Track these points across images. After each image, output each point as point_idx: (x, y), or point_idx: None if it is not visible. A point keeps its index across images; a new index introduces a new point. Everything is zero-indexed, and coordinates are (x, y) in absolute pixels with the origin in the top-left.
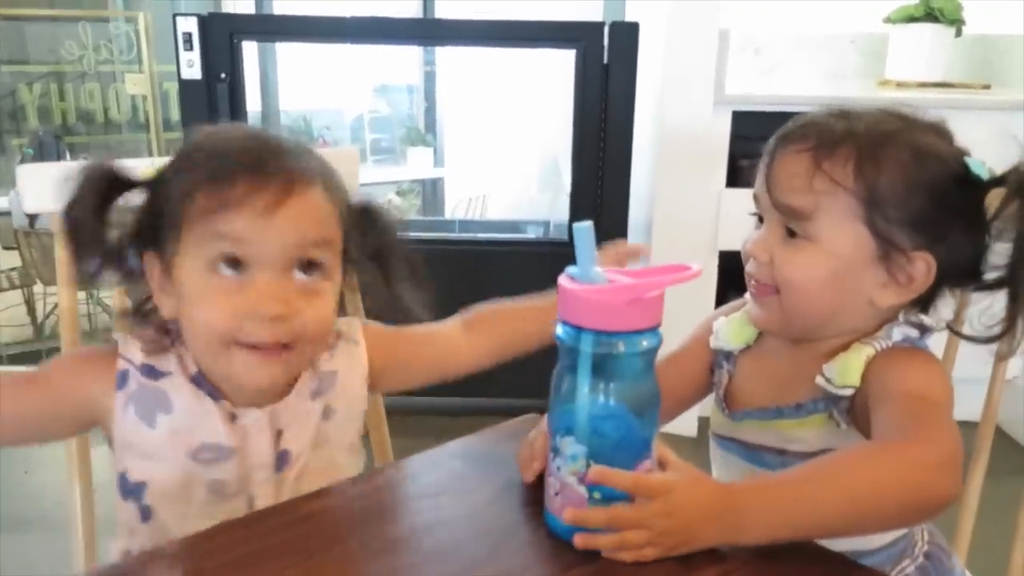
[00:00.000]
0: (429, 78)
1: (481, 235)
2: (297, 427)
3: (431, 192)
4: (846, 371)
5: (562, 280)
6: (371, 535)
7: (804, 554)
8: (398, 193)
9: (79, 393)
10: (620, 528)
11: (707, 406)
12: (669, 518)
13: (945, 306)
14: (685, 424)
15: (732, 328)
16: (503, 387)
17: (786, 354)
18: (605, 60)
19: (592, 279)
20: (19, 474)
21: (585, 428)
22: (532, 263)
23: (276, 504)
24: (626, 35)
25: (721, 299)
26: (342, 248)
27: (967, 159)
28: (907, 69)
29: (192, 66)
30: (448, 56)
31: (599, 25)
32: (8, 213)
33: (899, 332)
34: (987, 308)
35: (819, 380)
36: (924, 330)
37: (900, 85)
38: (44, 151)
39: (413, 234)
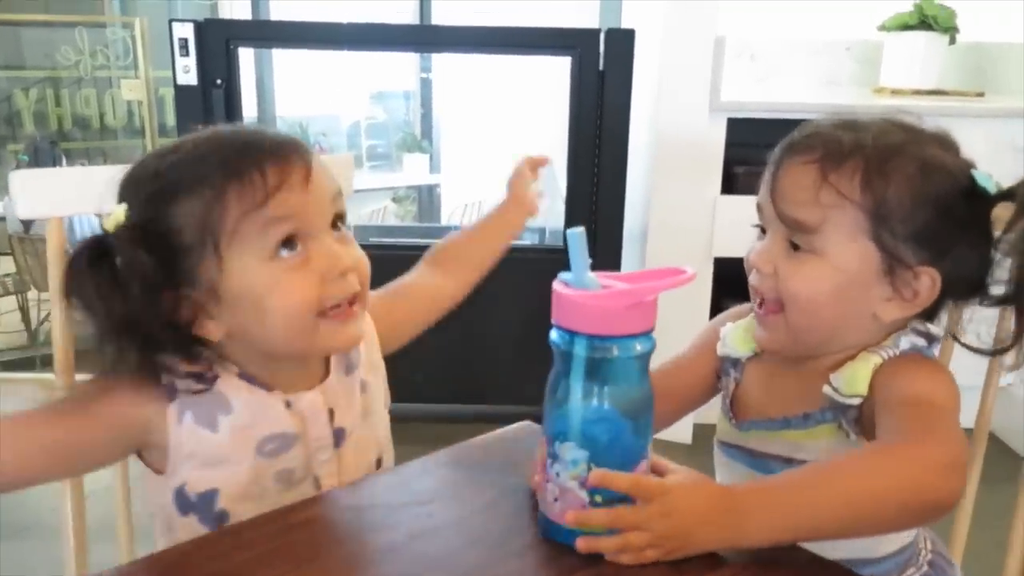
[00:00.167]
0: (425, 84)
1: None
2: (345, 403)
3: (427, 198)
4: (854, 380)
5: (556, 285)
6: (362, 543)
7: (802, 562)
8: (394, 199)
9: (129, 415)
10: (621, 529)
11: (703, 413)
12: (668, 519)
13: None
14: (680, 431)
15: (739, 335)
16: (497, 394)
17: (793, 364)
18: (601, 67)
19: (586, 284)
20: None
21: (585, 433)
22: (527, 269)
23: (265, 513)
24: (622, 42)
25: (716, 305)
26: None
27: (974, 172)
28: (902, 76)
29: (188, 72)
30: (444, 63)
31: (595, 32)
32: (3, 219)
33: (906, 341)
34: (995, 320)
35: (826, 389)
36: (931, 339)
37: (895, 92)
38: (39, 157)
39: (409, 240)
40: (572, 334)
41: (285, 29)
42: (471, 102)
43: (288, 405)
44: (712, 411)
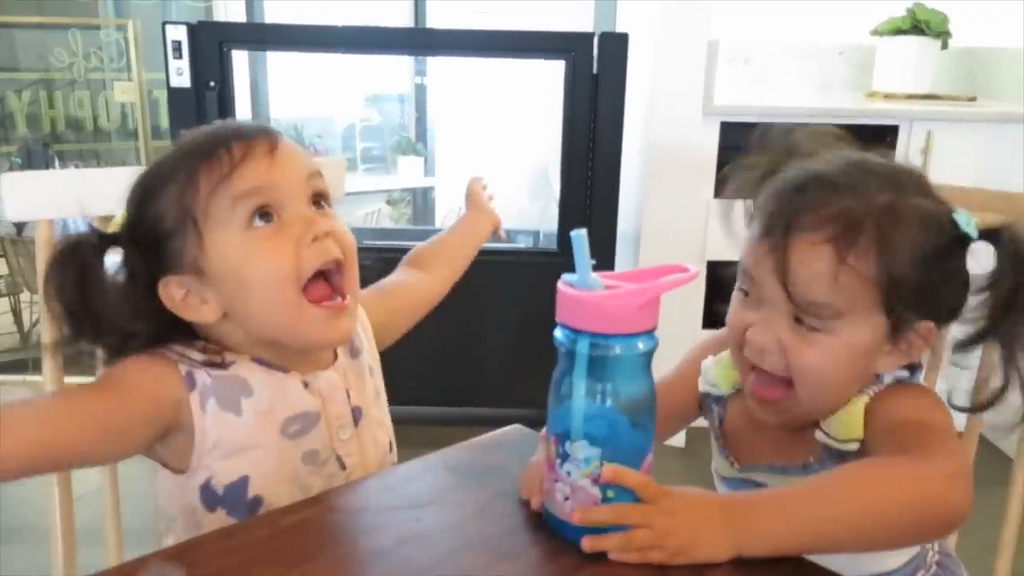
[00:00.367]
0: (420, 87)
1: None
2: (358, 383)
3: (421, 201)
4: (848, 425)
5: (560, 285)
6: (354, 547)
7: (792, 566)
8: (388, 202)
9: (161, 392)
10: (626, 525)
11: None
12: (671, 517)
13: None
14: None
15: (721, 371)
16: (491, 397)
17: None
18: (595, 70)
19: (589, 284)
20: (3, 484)
21: (594, 430)
22: (522, 272)
23: (257, 515)
24: (616, 46)
25: (709, 308)
26: None
27: (955, 216)
28: (894, 81)
29: (181, 74)
30: (439, 66)
31: (589, 36)
32: None
33: (889, 376)
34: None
35: (819, 436)
36: (913, 368)
37: (888, 96)
38: (32, 159)
39: (403, 243)
40: (576, 332)
41: (279, 32)
42: (466, 105)
43: (306, 385)
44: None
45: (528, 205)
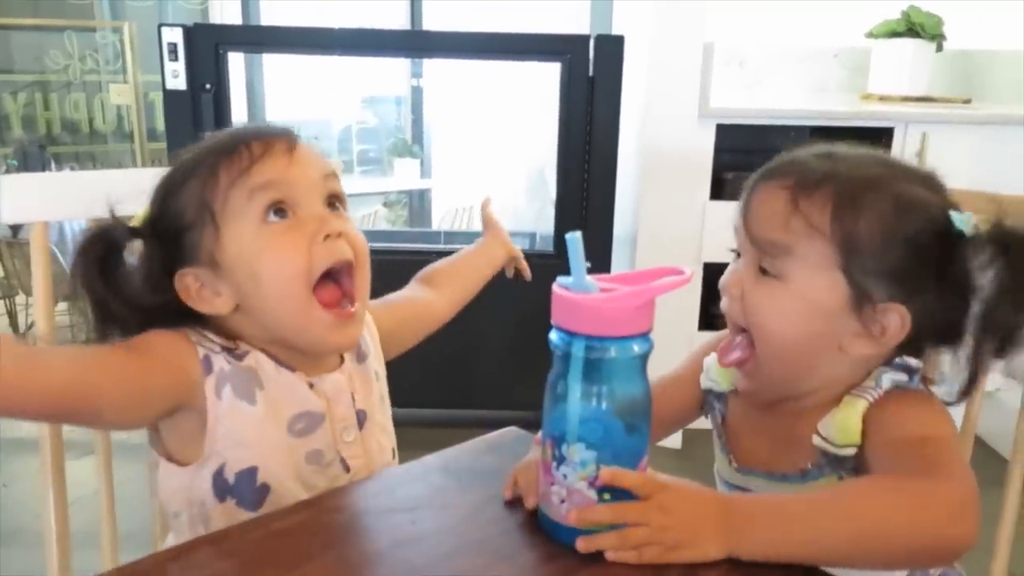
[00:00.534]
0: (416, 90)
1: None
2: (363, 388)
3: (418, 203)
4: (845, 430)
5: (555, 288)
6: (347, 550)
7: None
8: (385, 204)
9: (184, 363)
10: (623, 524)
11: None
12: (666, 514)
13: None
14: (670, 435)
15: (721, 368)
16: (487, 399)
17: (778, 406)
18: (590, 73)
19: (584, 287)
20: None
21: (589, 433)
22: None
23: (248, 520)
24: (611, 48)
25: (705, 310)
26: None
27: (952, 213)
28: (889, 83)
29: (177, 76)
30: (435, 68)
31: (584, 38)
32: None
33: (887, 379)
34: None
35: (816, 441)
36: (911, 371)
37: (883, 99)
38: (28, 161)
39: (400, 245)
40: (571, 335)
41: (275, 34)
42: (462, 107)
43: (311, 386)
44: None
45: (524, 207)
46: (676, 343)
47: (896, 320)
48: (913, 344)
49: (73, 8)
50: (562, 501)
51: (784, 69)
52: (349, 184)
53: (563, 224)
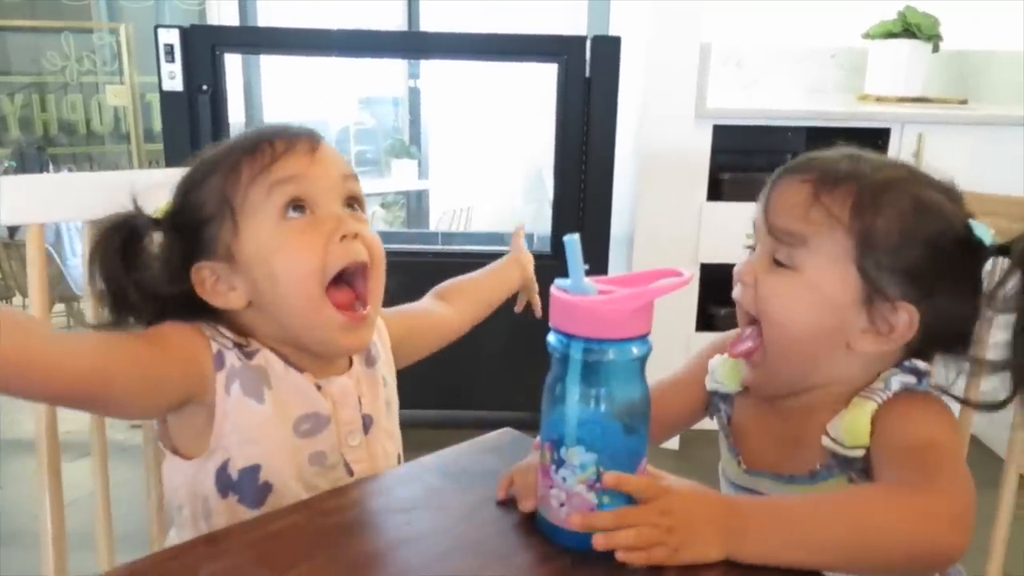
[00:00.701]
0: (414, 91)
1: (464, 247)
2: (370, 392)
3: (415, 204)
4: (854, 431)
5: (553, 290)
6: (343, 551)
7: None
8: (382, 205)
9: (196, 355)
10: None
11: None
12: (670, 516)
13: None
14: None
15: (728, 369)
16: (484, 400)
17: (785, 405)
18: (587, 74)
19: (582, 289)
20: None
21: (588, 436)
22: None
23: (244, 520)
24: (608, 49)
25: (703, 311)
26: None
27: (972, 222)
28: (886, 84)
29: (174, 78)
30: (433, 69)
31: (581, 39)
32: None
33: (896, 381)
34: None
35: (825, 442)
36: (920, 374)
37: (879, 100)
38: (26, 163)
39: (397, 246)
40: (569, 338)
41: (272, 35)
42: (459, 108)
43: (319, 388)
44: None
45: (522, 207)
46: (674, 344)
47: (905, 319)
48: (919, 348)
49: (70, 9)
50: (561, 504)
51: (781, 70)
52: None
53: (560, 225)
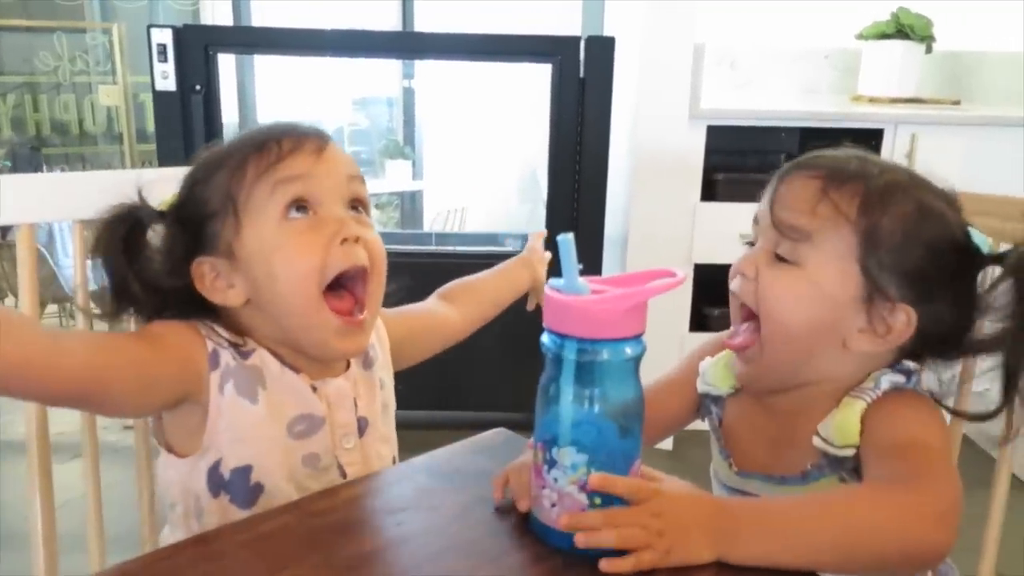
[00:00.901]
0: (408, 91)
1: (458, 248)
2: (367, 394)
3: (410, 205)
4: (844, 431)
5: (547, 290)
6: (333, 552)
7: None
8: (377, 206)
9: (187, 357)
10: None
11: None
12: (660, 518)
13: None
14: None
15: (719, 371)
16: (478, 400)
17: (776, 406)
18: (581, 74)
19: (576, 289)
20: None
21: (581, 437)
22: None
23: (235, 521)
24: (602, 49)
25: (696, 311)
26: None
27: (971, 229)
28: (879, 85)
29: (167, 78)
30: (427, 69)
31: (575, 39)
32: None
33: (886, 380)
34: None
35: (816, 442)
36: (909, 374)
37: (873, 100)
38: (18, 163)
39: (391, 247)
40: (563, 338)
41: (265, 35)
42: (454, 109)
43: (314, 389)
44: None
45: (516, 208)
46: (667, 345)
47: (903, 320)
48: (913, 351)
49: (63, 9)
50: (553, 505)
51: (775, 70)
52: None
53: (554, 225)
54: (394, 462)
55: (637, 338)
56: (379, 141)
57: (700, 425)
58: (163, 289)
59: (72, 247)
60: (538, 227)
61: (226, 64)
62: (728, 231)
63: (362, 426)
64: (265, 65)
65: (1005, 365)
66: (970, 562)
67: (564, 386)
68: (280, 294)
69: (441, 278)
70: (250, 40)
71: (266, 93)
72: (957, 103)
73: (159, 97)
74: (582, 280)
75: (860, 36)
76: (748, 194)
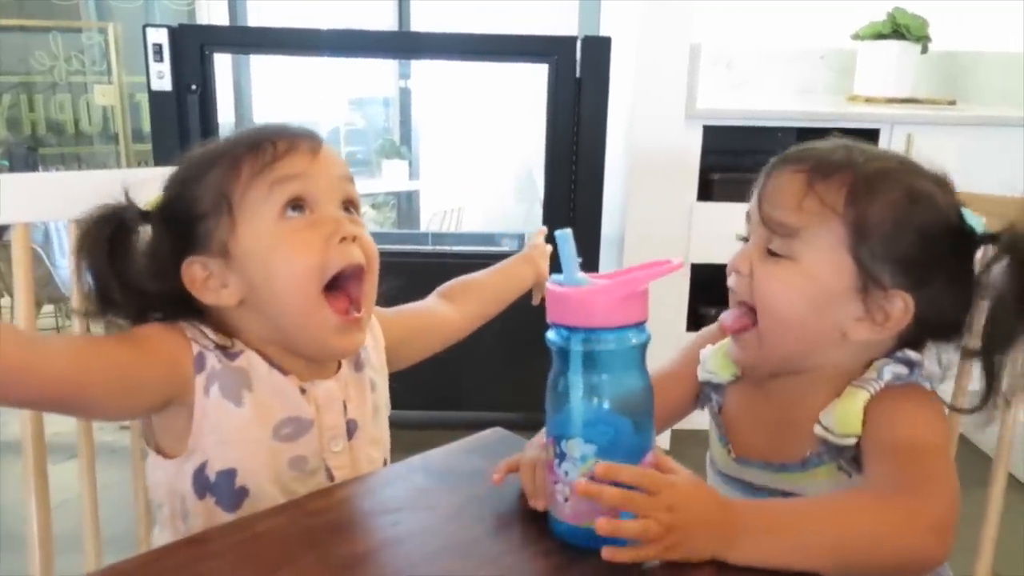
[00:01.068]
0: (404, 91)
1: (455, 248)
2: (357, 397)
3: (406, 205)
4: (846, 420)
5: (548, 285)
6: (328, 552)
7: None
8: (373, 206)
9: (176, 357)
10: (629, 512)
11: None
12: (671, 512)
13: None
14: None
15: (719, 359)
16: (474, 400)
17: (776, 392)
18: (578, 74)
19: (576, 283)
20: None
21: (589, 429)
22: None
23: (231, 521)
24: (598, 49)
25: (693, 311)
26: None
27: (963, 210)
28: (875, 85)
29: (162, 77)
30: (423, 69)
31: (572, 39)
32: None
33: (889, 371)
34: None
35: (817, 430)
36: (912, 365)
37: (868, 100)
38: (14, 162)
39: (388, 247)
40: (568, 330)
41: (261, 35)
42: (450, 108)
43: (303, 391)
44: (691, 416)
45: (513, 207)
46: (664, 344)
47: (900, 307)
48: (914, 336)
49: (58, 9)
50: (565, 499)
51: (771, 70)
52: None
53: (551, 225)
54: (385, 464)
55: (640, 325)
56: (375, 141)
57: (698, 424)
58: (149, 291)
59: (68, 247)
60: (535, 227)
61: (222, 64)
62: (724, 231)
63: (351, 429)
64: (261, 65)
65: (986, 345)
66: (967, 562)
67: (572, 379)
68: (278, 293)
69: (438, 278)
70: (246, 40)
71: (262, 93)
72: (953, 103)
73: (155, 97)
74: (581, 273)
75: (856, 36)
76: (744, 194)
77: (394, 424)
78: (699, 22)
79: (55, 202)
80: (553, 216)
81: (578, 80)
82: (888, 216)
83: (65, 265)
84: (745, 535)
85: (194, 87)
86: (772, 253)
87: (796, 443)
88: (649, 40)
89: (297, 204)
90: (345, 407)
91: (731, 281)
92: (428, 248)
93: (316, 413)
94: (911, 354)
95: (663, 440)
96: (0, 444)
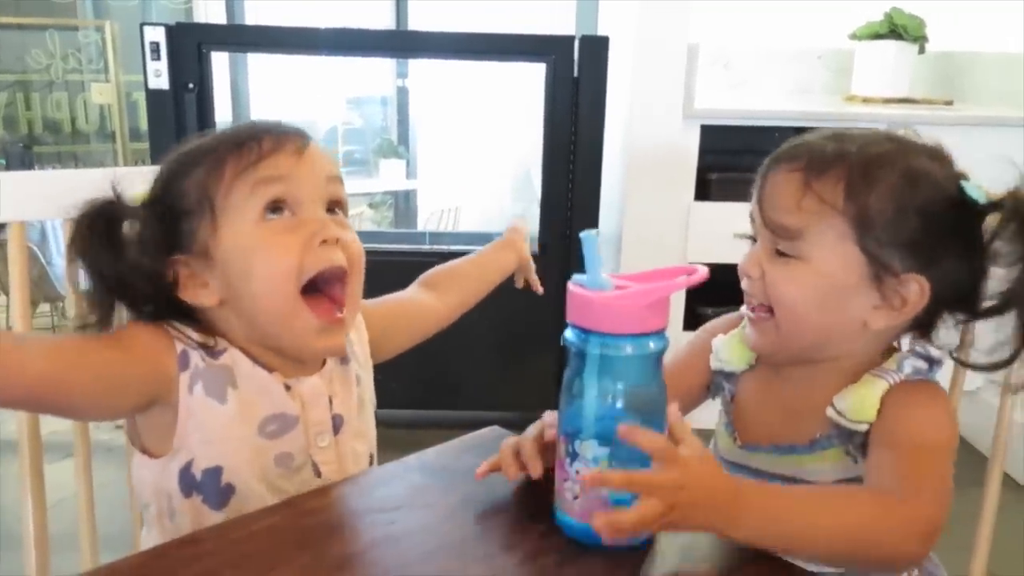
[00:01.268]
0: (402, 90)
1: (452, 247)
2: (342, 392)
3: (403, 204)
4: (861, 407)
5: (571, 286)
6: (323, 552)
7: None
8: (370, 205)
9: (158, 357)
10: (634, 492)
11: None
12: (682, 491)
13: (948, 331)
14: None
15: (733, 348)
16: (470, 400)
17: (791, 380)
18: (575, 73)
19: (600, 285)
20: None
21: (602, 430)
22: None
23: (226, 520)
24: (596, 49)
25: (690, 311)
26: None
27: (963, 183)
28: (873, 85)
29: (160, 76)
30: (421, 68)
31: (569, 39)
32: None
33: (909, 365)
34: (995, 331)
35: (830, 412)
36: (932, 362)
37: (866, 100)
38: (10, 161)
39: (385, 246)
40: (587, 333)
41: (259, 33)
42: (447, 108)
43: (288, 388)
44: (696, 411)
45: (511, 207)
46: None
47: (915, 289)
48: (933, 312)
49: (56, 7)
50: (575, 498)
51: (768, 70)
52: None
53: (548, 224)
54: (371, 459)
55: (659, 333)
56: (373, 140)
57: (702, 423)
58: (138, 287)
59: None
60: (532, 227)
61: (219, 62)
62: (722, 231)
63: (337, 424)
64: (259, 64)
65: (1020, 307)
66: (962, 561)
67: (587, 380)
68: (256, 295)
69: None
70: (243, 38)
71: (260, 92)
72: (950, 103)
73: (152, 95)
74: (605, 276)
75: (853, 36)
76: (742, 194)
77: (390, 423)
78: (697, 22)
79: (51, 201)
80: (551, 216)
81: (576, 80)
82: (889, 202)
83: (61, 264)
84: (748, 515)
85: (191, 86)
86: (781, 253)
87: (806, 425)
88: (647, 40)
89: (278, 206)
90: (331, 402)
91: (744, 284)
92: (425, 247)
93: (301, 409)
94: (932, 350)
95: None
96: None
